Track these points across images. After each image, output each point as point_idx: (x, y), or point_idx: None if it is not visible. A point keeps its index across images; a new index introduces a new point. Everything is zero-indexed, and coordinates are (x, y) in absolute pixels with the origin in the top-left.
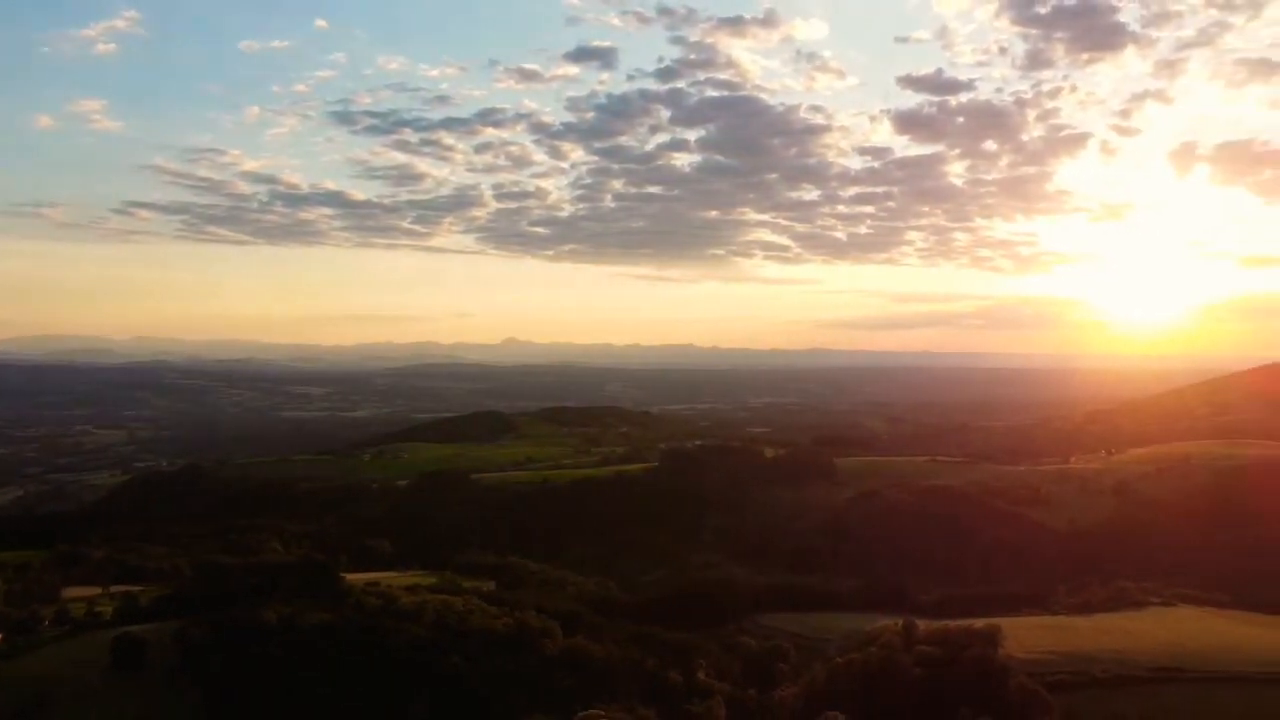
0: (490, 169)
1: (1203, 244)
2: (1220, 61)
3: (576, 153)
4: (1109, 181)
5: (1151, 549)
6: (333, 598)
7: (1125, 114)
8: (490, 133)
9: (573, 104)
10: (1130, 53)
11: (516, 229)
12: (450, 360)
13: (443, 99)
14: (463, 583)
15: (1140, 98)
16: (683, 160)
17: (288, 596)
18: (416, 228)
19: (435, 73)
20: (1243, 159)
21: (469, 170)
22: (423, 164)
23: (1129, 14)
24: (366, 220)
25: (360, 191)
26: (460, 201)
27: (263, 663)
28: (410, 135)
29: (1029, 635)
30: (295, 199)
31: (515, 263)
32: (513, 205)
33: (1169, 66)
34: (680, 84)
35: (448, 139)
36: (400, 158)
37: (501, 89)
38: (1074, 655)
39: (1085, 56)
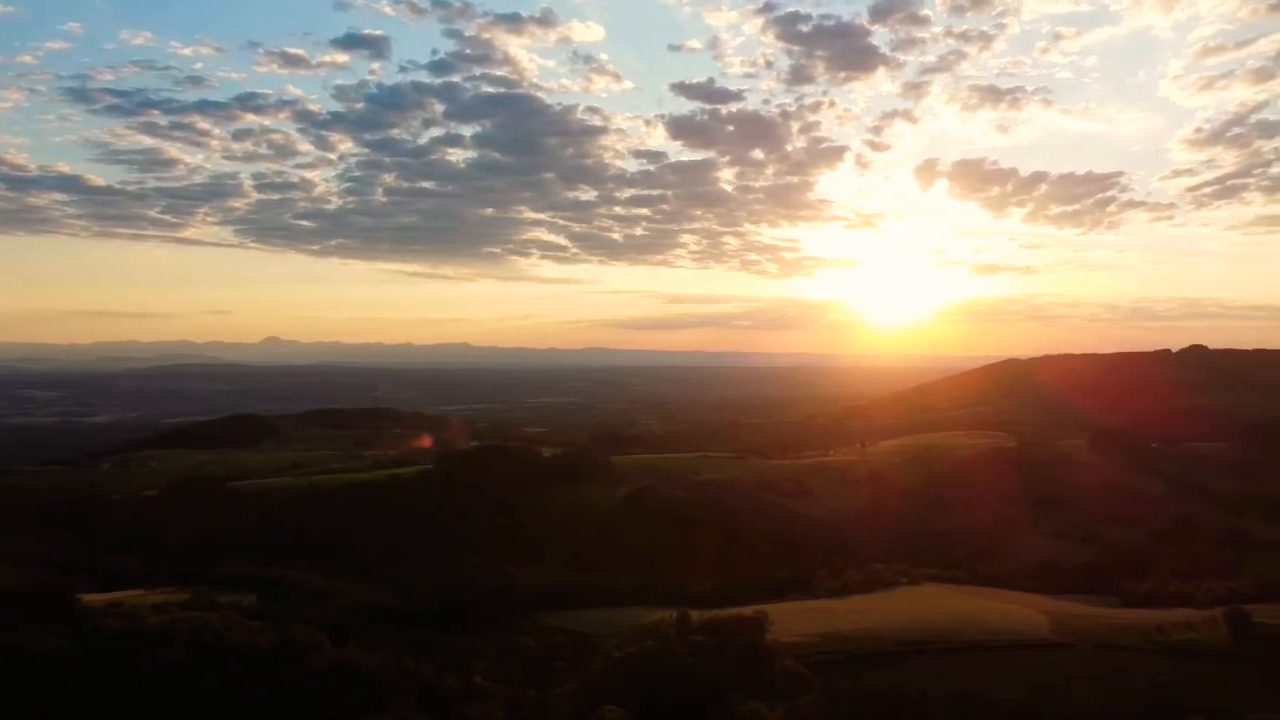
0: (250, 157)
1: (942, 252)
2: (957, 87)
3: (345, 144)
4: (863, 192)
5: (900, 533)
6: (68, 622)
7: (877, 130)
8: (250, 119)
9: (341, 93)
10: (881, 74)
11: (279, 221)
12: (204, 360)
13: (196, 80)
14: (220, 598)
15: (890, 116)
16: (458, 156)
17: (14, 624)
18: (166, 217)
19: (188, 51)
20: (975, 176)
21: (226, 158)
22: (173, 149)
23: (880, 38)
24: (108, 208)
25: (100, 176)
26: (216, 191)
27: None
28: (159, 117)
29: (793, 619)
30: (21, 182)
31: (277, 257)
32: (275, 196)
33: (914, 88)
34: (455, 78)
35: (202, 123)
36: (147, 141)
37: (263, 73)
38: (833, 635)
39: (843, 75)
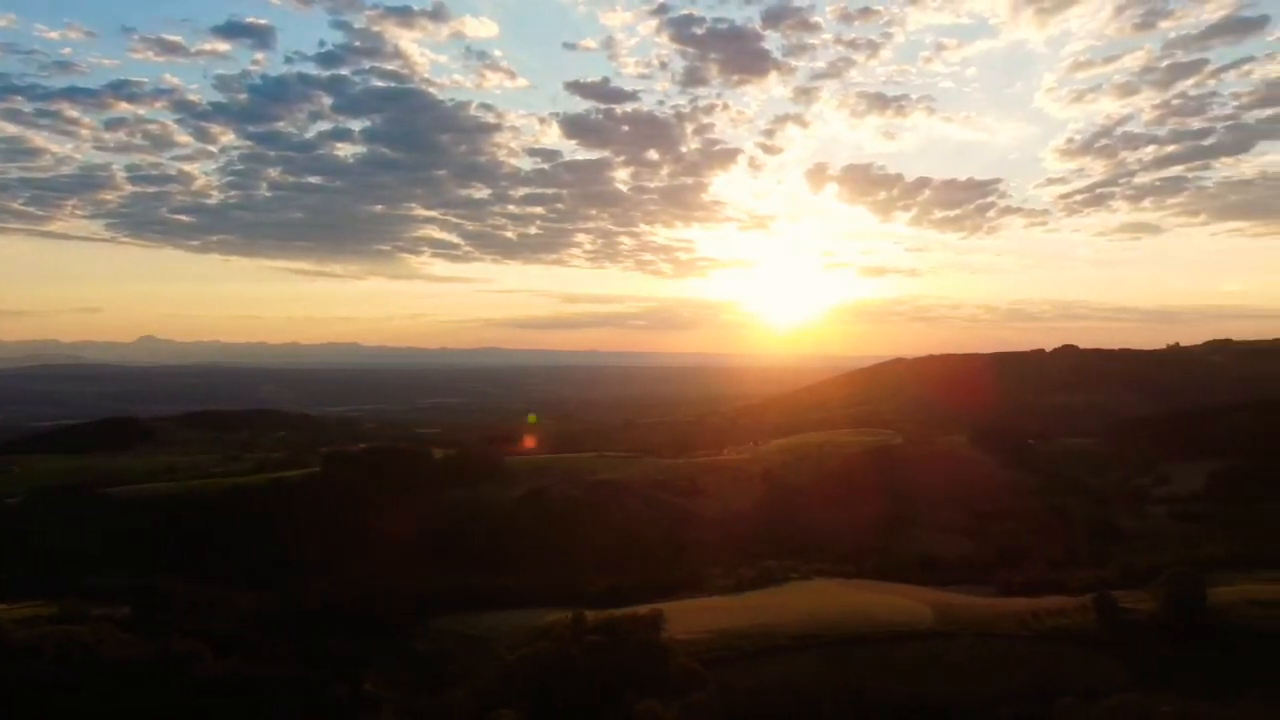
0: (124, 148)
1: (832, 254)
2: (846, 93)
3: (227, 136)
4: (756, 194)
5: (792, 529)
6: None
7: (770, 133)
8: (124, 107)
9: (223, 83)
10: (774, 78)
11: (155, 216)
12: (74, 361)
13: (65, 66)
14: (92, 610)
15: (782, 120)
16: (346, 151)
17: None
18: (31, 210)
19: (55, 35)
20: (863, 181)
21: (98, 148)
22: (39, 137)
23: (772, 43)
24: None
25: None
26: (86, 182)
27: None
28: (23, 104)
29: (688, 617)
30: None
31: (154, 253)
32: (151, 189)
33: (805, 93)
34: (344, 71)
35: (71, 111)
36: (10, 129)
37: (138, 60)
38: (727, 632)
39: (736, 78)
